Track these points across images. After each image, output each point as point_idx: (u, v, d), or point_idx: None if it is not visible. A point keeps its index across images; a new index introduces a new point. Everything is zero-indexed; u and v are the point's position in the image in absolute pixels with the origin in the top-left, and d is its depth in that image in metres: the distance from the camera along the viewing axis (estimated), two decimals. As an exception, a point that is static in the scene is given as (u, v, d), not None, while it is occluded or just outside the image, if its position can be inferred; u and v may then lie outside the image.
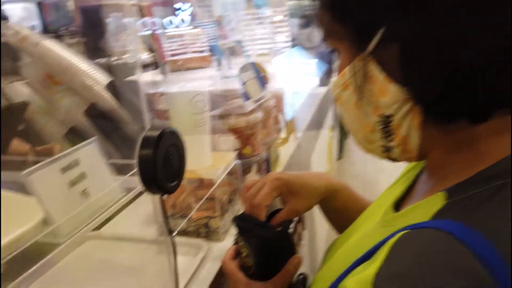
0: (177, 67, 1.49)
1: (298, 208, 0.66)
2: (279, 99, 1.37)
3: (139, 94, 1.34)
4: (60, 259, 0.78)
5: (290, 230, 0.64)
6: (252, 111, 1.10)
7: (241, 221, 0.62)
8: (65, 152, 0.48)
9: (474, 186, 0.35)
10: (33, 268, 0.71)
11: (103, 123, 1.30)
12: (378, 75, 0.38)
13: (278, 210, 0.67)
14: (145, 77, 1.29)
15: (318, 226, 1.79)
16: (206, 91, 0.92)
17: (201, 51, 1.60)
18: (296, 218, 0.83)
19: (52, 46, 1.18)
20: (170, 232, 0.58)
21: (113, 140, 1.31)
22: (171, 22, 1.81)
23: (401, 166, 0.57)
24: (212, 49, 1.55)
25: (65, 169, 0.47)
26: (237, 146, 1.07)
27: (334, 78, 0.46)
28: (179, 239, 0.90)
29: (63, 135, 1.28)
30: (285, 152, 1.32)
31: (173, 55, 1.54)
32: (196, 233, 0.95)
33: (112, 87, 1.28)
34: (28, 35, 1.14)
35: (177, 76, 1.37)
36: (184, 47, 1.71)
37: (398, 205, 0.48)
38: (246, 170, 1.11)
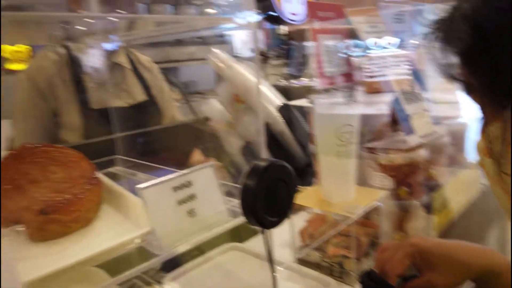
0: (372, 89, 1.46)
1: (436, 283, 0.56)
2: (459, 136, 1.17)
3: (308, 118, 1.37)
4: (200, 264, 0.88)
5: None
6: (414, 148, 0.97)
7: (368, 280, 0.59)
8: (181, 173, 0.53)
9: None
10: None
11: (272, 143, 1.39)
12: None
13: (413, 276, 0.58)
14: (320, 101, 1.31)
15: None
16: (357, 122, 0.86)
17: (401, 74, 1.51)
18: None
19: (241, 69, 1.34)
20: (273, 269, 0.56)
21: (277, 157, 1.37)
22: (375, 44, 1.78)
23: None
24: (414, 73, 1.45)
25: (177, 188, 0.52)
26: (391, 185, 0.97)
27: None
28: (310, 272, 0.87)
29: (240, 148, 1.43)
30: (460, 199, 1.12)
31: (370, 76, 1.51)
32: (329, 270, 0.90)
33: (284, 110, 1.36)
34: (224, 59, 1.32)
35: (368, 98, 1.34)
36: (383, 69, 1.66)
37: None
38: (401, 214, 0.99)
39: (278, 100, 1.36)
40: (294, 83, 1.98)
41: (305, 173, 1.29)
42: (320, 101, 0.89)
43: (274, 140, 1.38)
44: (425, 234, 1.00)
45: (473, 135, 1.22)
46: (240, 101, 1.38)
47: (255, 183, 0.51)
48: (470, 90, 0.39)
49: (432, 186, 1.03)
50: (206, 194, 0.55)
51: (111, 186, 0.61)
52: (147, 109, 1.22)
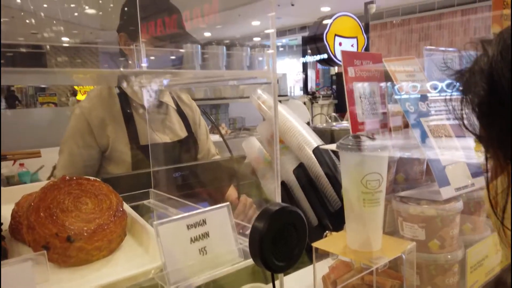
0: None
1: None
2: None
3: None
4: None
5: None
6: (449, 200, 0.94)
7: None
8: (196, 211, 0.56)
9: None
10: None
11: (308, 185, 1.40)
12: None
13: None
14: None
15: None
16: (385, 169, 0.86)
17: (441, 120, 1.47)
18: None
19: (282, 109, 1.38)
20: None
21: (311, 203, 1.37)
22: (433, 86, 1.77)
23: None
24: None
25: (191, 226, 0.55)
26: (421, 237, 0.93)
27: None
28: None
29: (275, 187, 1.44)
30: (495, 258, 1.04)
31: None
32: (351, 321, 0.88)
33: (320, 152, 1.37)
34: (265, 100, 1.38)
35: (395, 141, 1.32)
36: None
37: None
38: (432, 268, 0.94)
39: (315, 141, 1.38)
40: (334, 125, 1.99)
41: (338, 217, 1.27)
42: (348, 146, 0.90)
43: (309, 183, 1.39)
44: (459, 292, 0.95)
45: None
46: (280, 141, 1.41)
47: (264, 226, 0.53)
48: (482, 142, 0.39)
49: (468, 241, 0.97)
50: (219, 233, 0.57)
51: (136, 219, 0.65)
52: (185, 144, 1.29)
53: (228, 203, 0.60)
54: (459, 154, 1.05)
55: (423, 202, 0.95)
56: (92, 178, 0.63)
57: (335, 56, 3.88)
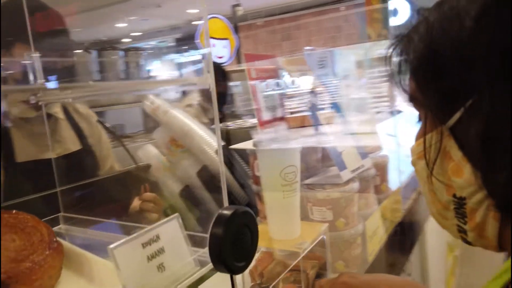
0: (296, 124, 1.56)
1: None
2: (382, 167, 1.31)
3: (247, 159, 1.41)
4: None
5: None
6: (348, 182, 1.07)
7: None
8: (148, 228, 0.54)
9: None
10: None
11: (212, 185, 1.42)
12: (455, 152, 0.36)
13: None
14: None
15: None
16: (299, 161, 0.94)
17: (322, 109, 1.64)
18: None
19: (178, 114, 1.36)
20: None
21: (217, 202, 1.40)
22: (293, 82, 1.91)
23: None
24: (334, 106, 1.58)
25: (146, 244, 0.53)
26: (329, 218, 1.05)
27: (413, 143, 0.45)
28: (263, 310, 0.90)
29: (179, 191, 1.43)
30: (387, 225, 1.24)
31: (292, 113, 1.61)
32: (281, 306, 0.94)
33: (224, 152, 1.40)
34: (160, 105, 1.34)
35: (294, 133, 1.42)
36: (304, 104, 1.78)
37: None
38: (341, 244, 1.07)
39: (216, 143, 1.40)
40: (230, 125, 2.05)
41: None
42: (262, 143, 0.95)
43: (213, 182, 1.41)
44: (363, 261, 1.09)
45: (393, 166, 1.38)
46: (178, 145, 1.39)
47: (222, 232, 0.54)
48: (415, 101, 0.43)
49: (363, 216, 1.13)
50: (173, 247, 0.57)
51: (71, 248, 0.59)
52: (84, 160, 1.18)
53: (177, 214, 0.59)
54: (347, 139, 1.21)
55: (327, 187, 1.06)
56: (13, 210, 0.55)
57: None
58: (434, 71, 0.38)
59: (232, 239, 0.55)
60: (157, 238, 0.55)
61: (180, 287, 0.54)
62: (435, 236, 1.89)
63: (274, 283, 0.89)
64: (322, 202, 1.05)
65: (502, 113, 0.32)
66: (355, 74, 1.55)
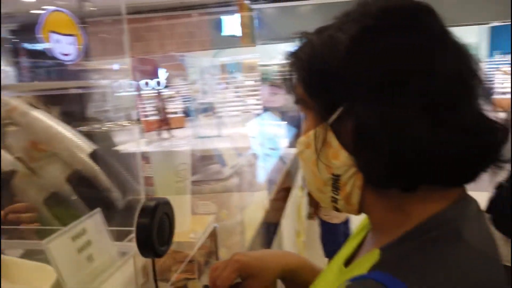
0: (152, 127, 1.60)
1: (254, 286, 0.70)
2: (252, 164, 1.49)
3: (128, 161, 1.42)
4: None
5: None
6: (228, 177, 1.20)
7: None
8: (76, 222, 0.56)
9: (401, 244, 0.45)
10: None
11: (85, 189, 1.36)
12: (333, 142, 0.49)
13: (238, 284, 0.71)
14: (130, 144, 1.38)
15: None
16: (189, 158, 1.02)
17: (176, 113, 1.72)
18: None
19: (41, 115, 1.27)
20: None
21: (92, 205, 1.36)
22: (146, 84, 1.93)
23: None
24: (187, 111, 1.67)
25: (75, 237, 0.55)
26: (214, 210, 1.16)
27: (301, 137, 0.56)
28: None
29: (43, 200, 1.32)
30: (258, 215, 1.41)
31: (146, 116, 1.65)
32: (174, 296, 1.00)
33: (95, 155, 1.36)
34: (16, 106, 1.23)
35: (152, 137, 1.46)
36: (158, 108, 1.83)
37: (349, 261, 0.57)
38: (223, 232, 1.19)
39: (87, 145, 1.36)
40: (97, 126, 1.95)
41: (127, 214, 1.33)
42: (155, 144, 1.00)
43: (87, 186, 1.36)
44: (241, 247, 1.24)
45: (261, 163, 1.57)
46: (41, 150, 1.31)
47: (149, 221, 0.60)
48: (303, 103, 0.53)
49: (241, 207, 1.28)
50: (99, 239, 0.60)
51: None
52: None
53: (99, 208, 0.62)
54: (224, 140, 1.34)
55: (212, 182, 1.17)
56: None
57: (53, 53, 3.57)
58: (319, 83, 0.50)
59: (157, 227, 0.61)
60: (84, 231, 0.57)
61: (108, 275, 0.58)
62: (288, 225, 2.18)
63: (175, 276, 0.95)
64: (207, 196, 1.15)
65: (366, 115, 0.47)
66: (207, 79, 1.67)
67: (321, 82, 0.50)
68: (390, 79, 0.46)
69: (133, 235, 0.68)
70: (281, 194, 1.63)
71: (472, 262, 0.45)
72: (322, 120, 0.50)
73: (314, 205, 2.84)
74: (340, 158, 0.49)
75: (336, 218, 2.79)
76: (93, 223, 0.59)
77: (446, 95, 0.45)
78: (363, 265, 0.47)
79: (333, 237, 2.82)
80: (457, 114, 0.45)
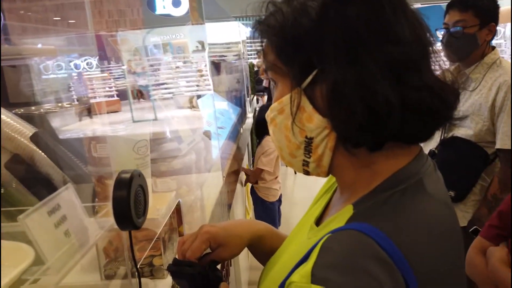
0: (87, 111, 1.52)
1: (223, 256, 0.73)
2: (206, 141, 1.48)
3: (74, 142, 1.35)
4: None
5: (218, 266, 0.71)
6: (186, 154, 1.19)
7: (173, 266, 0.67)
8: (49, 197, 0.53)
9: (372, 197, 0.50)
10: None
11: (26, 174, 1.28)
12: (307, 106, 0.52)
13: (208, 254, 0.72)
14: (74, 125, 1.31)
15: (242, 262, 1.88)
16: (148, 136, 1.00)
17: (110, 96, 1.63)
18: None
19: None
20: (137, 269, 0.64)
21: (36, 190, 1.28)
22: (76, 65, 1.80)
23: (309, 199, 0.73)
24: (121, 94, 1.61)
25: (51, 212, 0.52)
26: (174, 187, 1.15)
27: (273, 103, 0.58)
28: (124, 282, 0.93)
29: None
30: (215, 191, 1.43)
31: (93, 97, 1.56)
32: (140, 273, 0.99)
33: (36, 138, 1.27)
34: None
35: (91, 121, 1.40)
36: (93, 91, 1.73)
37: (319, 222, 0.61)
38: (184, 208, 1.18)
39: (26, 129, 1.27)
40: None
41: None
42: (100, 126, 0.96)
43: (29, 172, 1.28)
44: (202, 222, 1.25)
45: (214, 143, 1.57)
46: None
47: (126, 193, 0.59)
48: (275, 69, 0.55)
49: (200, 183, 1.28)
50: (73, 213, 0.58)
51: None
52: None
53: (69, 183, 0.59)
54: (188, 119, 1.32)
55: (169, 159, 1.16)
56: None
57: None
58: (292, 48, 0.52)
59: (133, 199, 0.60)
60: (58, 206, 0.55)
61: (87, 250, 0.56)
62: (240, 201, 2.22)
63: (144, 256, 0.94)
64: (166, 173, 1.14)
65: (340, 76, 0.50)
66: (144, 59, 1.60)
67: (295, 47, 0.52)
68: (358, 42, 0.49)
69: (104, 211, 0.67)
70: (233, 177, 1.65)
71: (435, 210, 0.52)
72: (295, 85, 0.52)
73: (250, 175, 2.91)
74: (314, 121, 0.52)
75: (272, 196, 2.92)
76: (67, 197, 0.56)
77: (409, 57, 0.50)
78: (338, 220, 0.51)
79: (271, 214, 2.94)
80: (420, 74, 0.50)
